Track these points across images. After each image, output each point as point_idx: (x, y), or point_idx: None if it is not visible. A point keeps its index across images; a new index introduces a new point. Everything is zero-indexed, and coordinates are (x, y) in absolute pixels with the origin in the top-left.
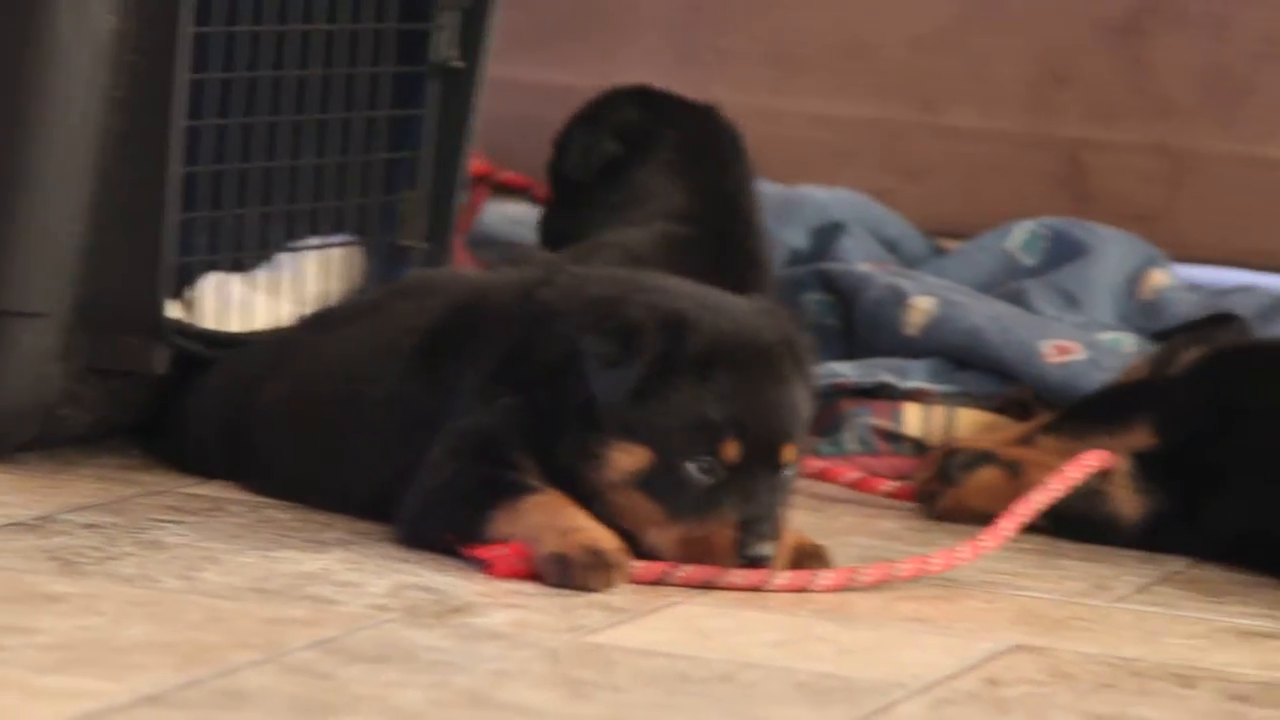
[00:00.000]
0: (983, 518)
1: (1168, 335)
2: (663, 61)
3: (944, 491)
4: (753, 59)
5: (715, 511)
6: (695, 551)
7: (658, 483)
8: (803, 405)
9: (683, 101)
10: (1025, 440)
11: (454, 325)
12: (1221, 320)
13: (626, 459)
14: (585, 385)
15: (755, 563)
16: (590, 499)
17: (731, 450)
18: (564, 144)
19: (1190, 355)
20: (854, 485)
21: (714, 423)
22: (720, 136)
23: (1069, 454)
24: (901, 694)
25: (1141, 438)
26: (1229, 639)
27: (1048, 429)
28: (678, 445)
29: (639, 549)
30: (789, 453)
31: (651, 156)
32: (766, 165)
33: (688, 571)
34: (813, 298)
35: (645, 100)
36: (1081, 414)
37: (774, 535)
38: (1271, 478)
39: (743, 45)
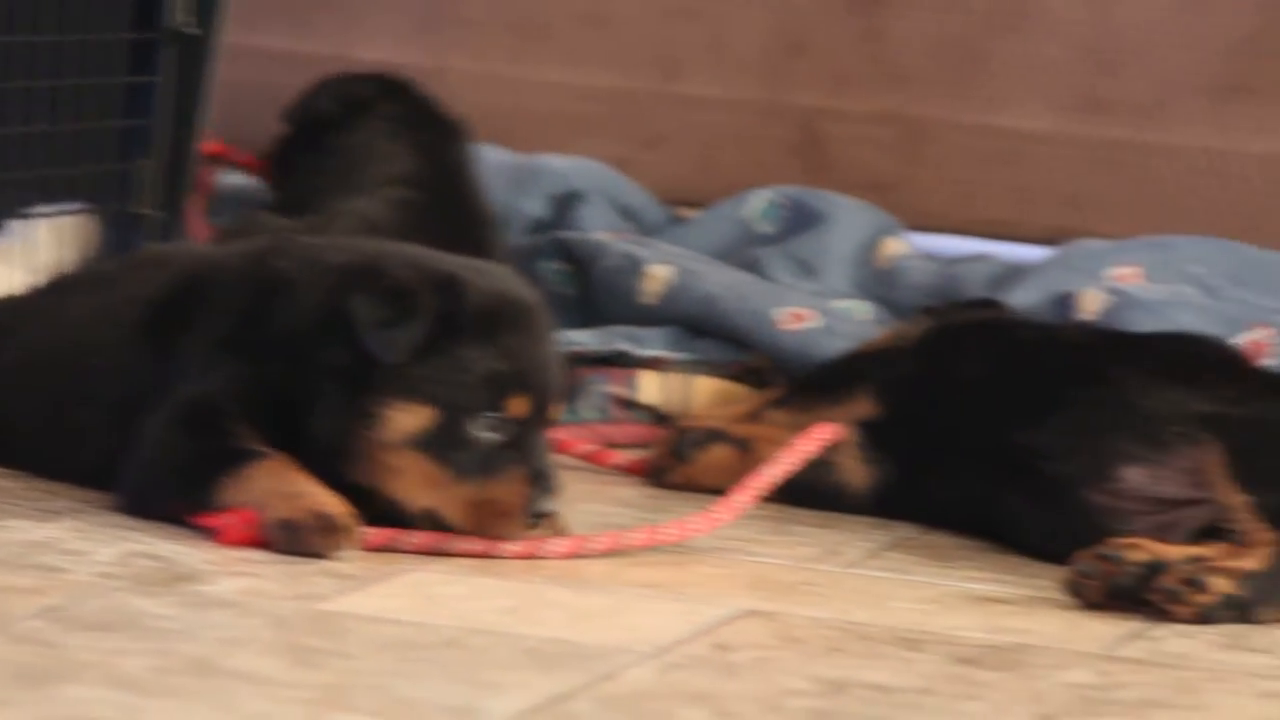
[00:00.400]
0: (715, 491)
1: (930, 311)
2: (402, 29)
3: (675, 468)
4: (492, 27)
5: (504, 470)
6: (485, 513)
7: (441, 442)
8: (562, 363)
9: (389, 74)
10: (755, 416)
11: (180, 296)
12: (986, 304)
13: (407, 419)
14: (345, 348)
15: (539, 518)
16: (360, 464)
17: (520, 406)
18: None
19: (915, 329)
20: (587, 458)
21: (502, 379)
22: (434, 105)
23: (797, 427)
24: (630, 659)
25: (864, 408)
26: (956, 603)
27: (776, 404)
28: (464, 402)
29: (383, 515)
30: (557, 409)
31: (367, 123)
32: (506, 134)
33: (419, 538)
34: (550, 266)
35: (363, 76)
36: (807, 387)
37: (558, 490)
38: (982, 448)
39: (482, 14)
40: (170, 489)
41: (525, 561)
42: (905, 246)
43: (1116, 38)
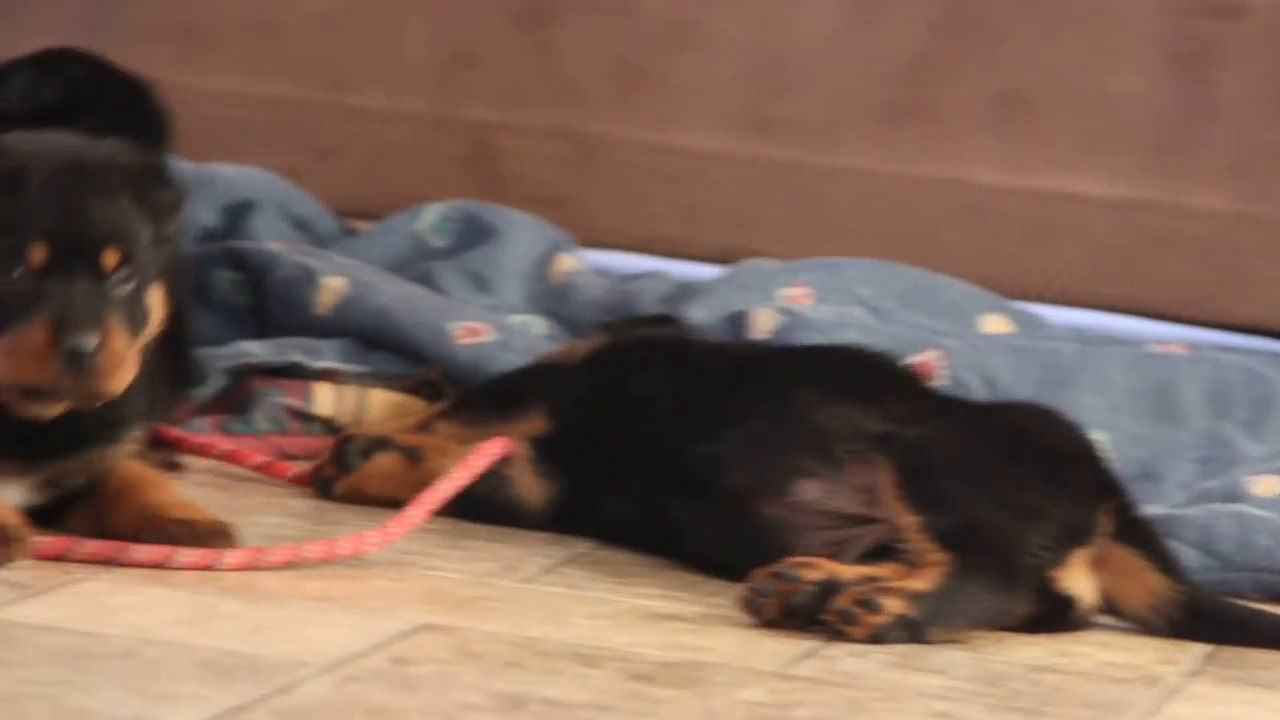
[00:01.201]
0: (383, 502)
1: (607, 326)
2: (69, 31)
3: (340, 478)
4: (161, 33)
5: (28, 316)
6: (22, 362)
7: None
8: (130, 220)
9: (123, 72)
10: (424, 426)
11: None
12: (663, 320)
13: None
14: None
15: (75, 357)
16: None
17: (38, 254)
18: (3, 78)
19: (588, 345)
20: (259, 469)
21: (18, 230)
22: (153, 112)
23: (465, 440)
24: (307, 672)
25: (535, 424)
26: (631, 619)
27: (444, 415)
28: None
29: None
30: (109, 257)
31: (86, 119)
32: (175, 143)
33: (91, 546)
34: (223, 275)
35: (93, 63)
36: (476, 400)
37: (96, 330)
38: (657, 462)
39: (151, 19)
40: None
41: (200, 573)
42: (578, 262)
43: (787, 59)
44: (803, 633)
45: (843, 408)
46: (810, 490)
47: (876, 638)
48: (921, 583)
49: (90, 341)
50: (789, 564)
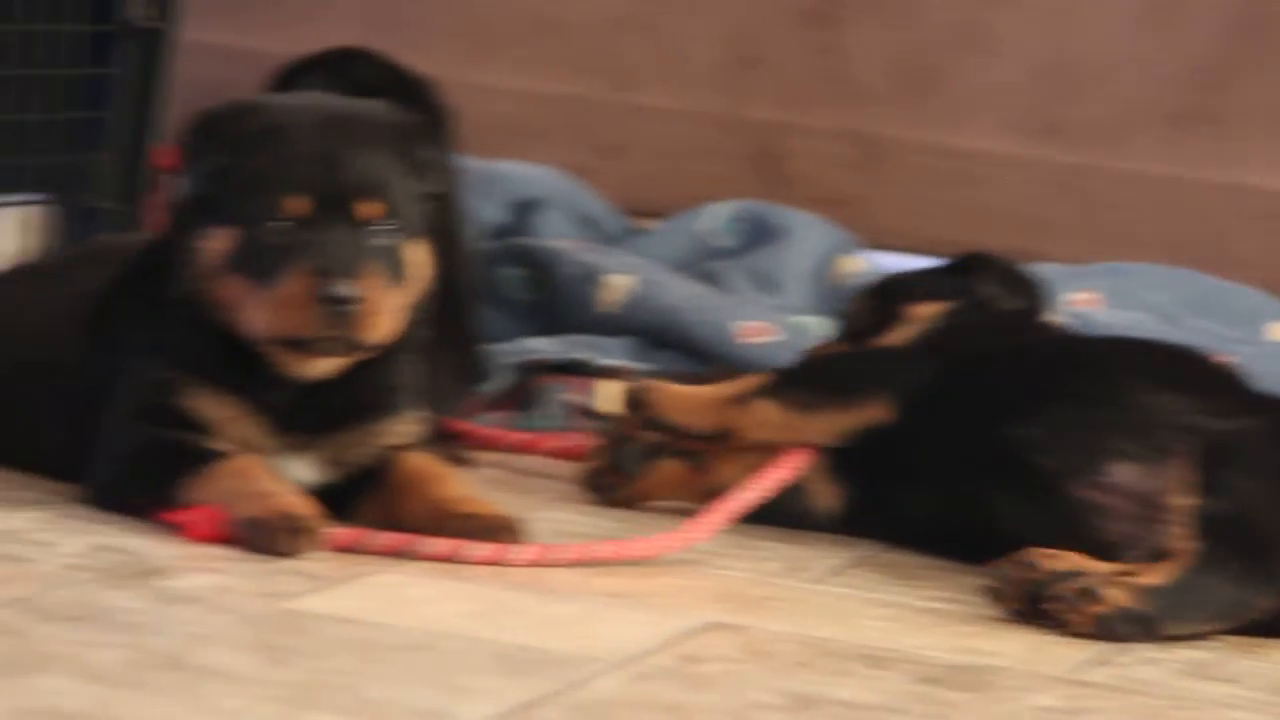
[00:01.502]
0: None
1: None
2: (357, 31)
3: (621, 484)
4: (448, 32)
5: (290, 267)
6: (284, 312)
7: (244, 258)
8: (389, 173)
9: (407, 71)
10: (739, 401)
11: (121, 284)
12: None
13: (216, 243)
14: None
15: (334, 304)
16: (207, 308)
17: (297, 205)
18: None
19: (913, 329)
20: (553, 453)
21: (277, 183)
22: (437, 110)
23: (790, 429)
24: (599, 667)
25: (876, 412)
26: (920, 621)
27: (765, 393)
28: (251, 214)
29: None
30: (366, 208)
31: None
32: (463, 140)
33: (384, 539)
34: (509, 272)
35: (379, 62)
36: (806, 382)
37: (355, 277)
38: (973, 445)
39: (438, 17)
40: (136, 486)
41: (490, 567)
42: (862, 264)
43: (1075, 62)
44: (1090, 639)
45: (1164, 396)
46: (1123, 473)
47: (1104, 631)
48: (1156, 577)
49: (349, 288)
50: (1033, 553)
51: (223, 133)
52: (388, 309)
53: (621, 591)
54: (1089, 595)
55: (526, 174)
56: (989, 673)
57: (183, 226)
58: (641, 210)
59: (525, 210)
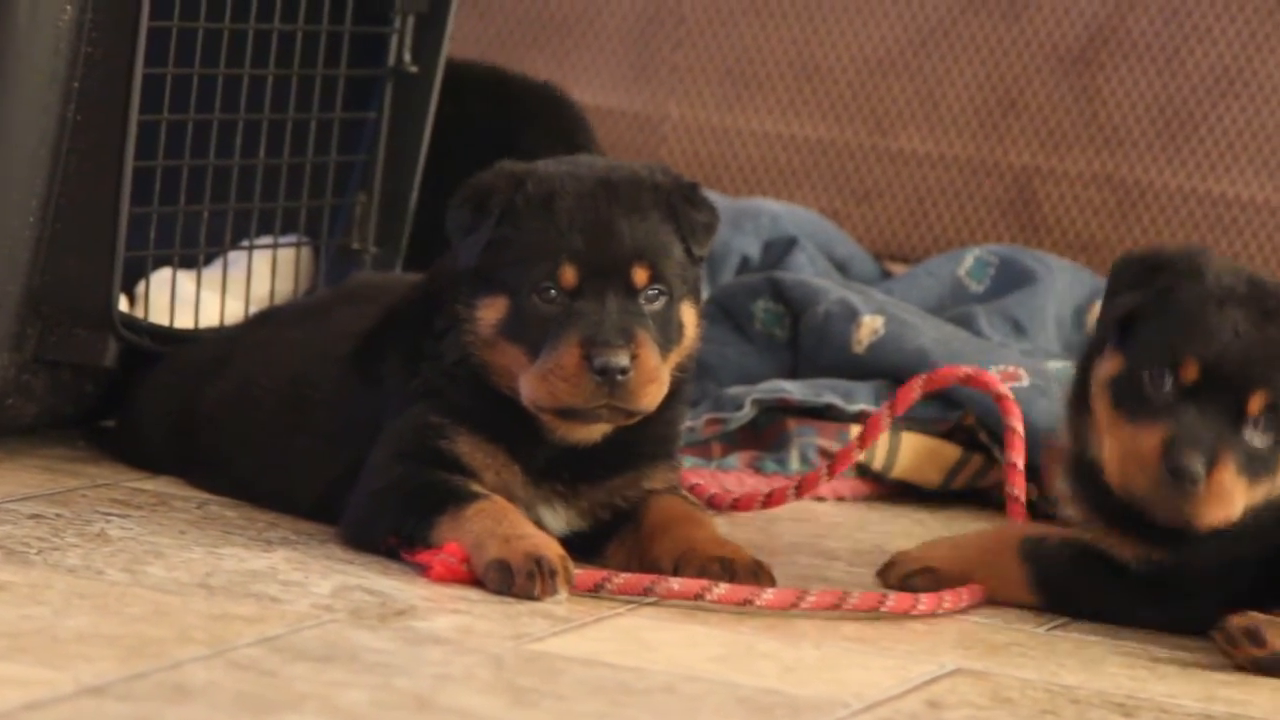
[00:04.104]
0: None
1: None
2: (618, 73)
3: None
4: (708, 75)
5: (561, 337)
6: (554, 382)
7: (517, 327)
8: (660, 237)
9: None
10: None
11: (385, 327)
12: None
13: (489, 312)
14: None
15: (608, 375)
16: (481, 372)
17: (569, 275)
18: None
19: None
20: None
21: (548, 252)
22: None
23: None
24: (845, 713)
25: None
26: (1168, 669)
27: (1099, 526)
28: (523, 283)
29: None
30: (640, 275)
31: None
32: (718, 181)
33: (626, 578)
34: (762, 306)
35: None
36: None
37: (626, 346)
38: None
39: (698, 61)
40: (391, 523)
41: (736, 612)
42: None
43: None
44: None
45: None
46: None
47: (1260, 668)
48: None
49: (622, 359)
50: (1259, 619)
51: (494, 202)
52: (658, 375)
53: (865, 637)
54: (1252, 636)
55: (782, 212)
56: None
57: (456, 292)
58: (894, 255)
59: (780, 248)
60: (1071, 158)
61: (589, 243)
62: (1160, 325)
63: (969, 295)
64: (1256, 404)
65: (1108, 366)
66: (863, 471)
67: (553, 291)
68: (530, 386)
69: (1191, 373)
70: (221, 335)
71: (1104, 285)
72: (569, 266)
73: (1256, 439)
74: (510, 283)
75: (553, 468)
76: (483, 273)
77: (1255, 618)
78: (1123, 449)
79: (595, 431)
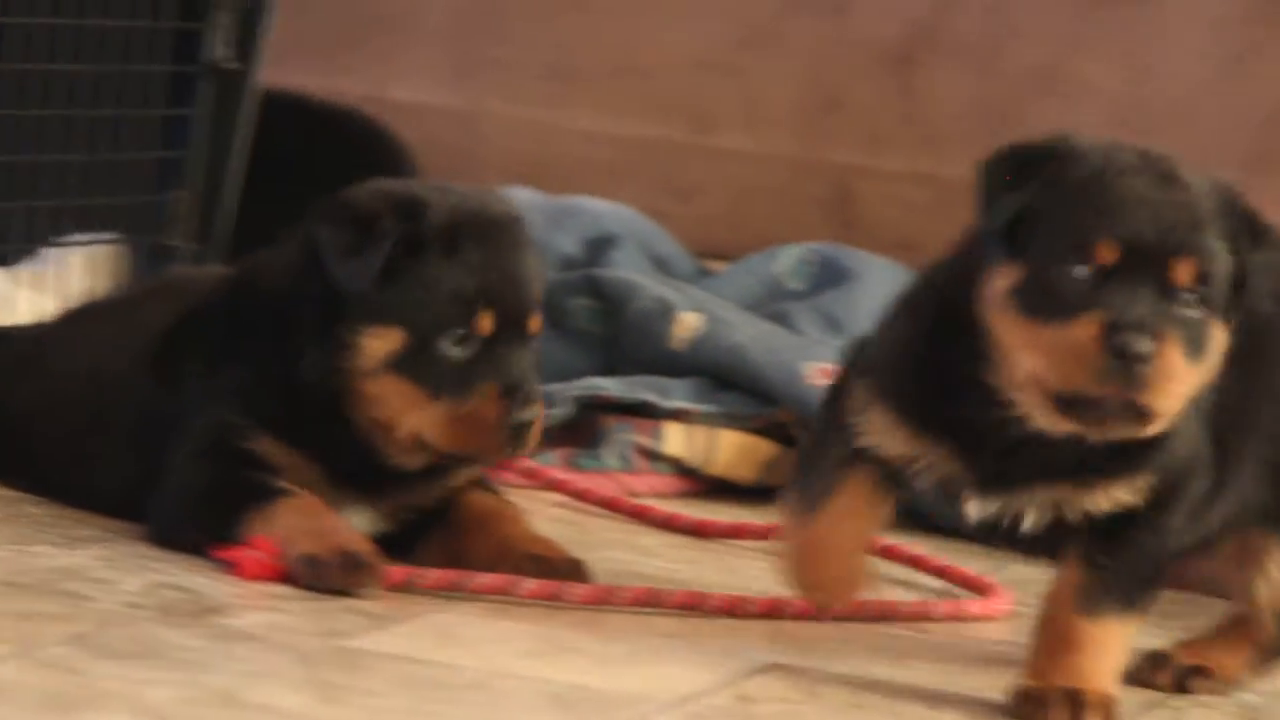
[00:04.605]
0: None
1: None
2: (439, 71)
3: None
4: (530, 72)
5: (476, 385)
6: (464, 429)
7: (413, 364)
8: (540, 276)
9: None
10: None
11: (188, 325)
12: None
13: (379, 343)
14: (321, 286)
15: (522, 429)
16: (347, 398)
17: (486, 322)
18: None
19: None
20: (606, 504)
21: (467, 295)
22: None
23: None
24: (653, 707)
25: None
26: (976, 664)
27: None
28: (431, 322)
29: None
30: (535, 322)
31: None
32: (540, 179)
33: (436, 575)
34: (580, 303)
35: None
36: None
37: (536, 401)
38: None
39: (520, 58)
40: (197, 522)
41: (547, 608)
42: None
43: (1153, 106)
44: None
45: None
46: None
47: None
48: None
49: (534, 413)
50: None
51: (383, 228)
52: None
53: (679, 633)
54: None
55: (602, 210)
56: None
57: (322, 309)
58: (714, 253)
59: (599, 246)
60: (891, 156)
61: (502, 289)
62: (1060, 215)
63: (787, 293)
64: (1185, 273)
65: (1003, 279)
66: (680, 468)
67: (464, 336)
68: (429, 427)
69: (1109, 254)
70: (31, 332)
71: None
72: (485, 313)
73: (1189, 311)
74: (410, 318)
75: (357, 472)
76: (374, 301)
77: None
78: (1052, 352)
79: (419, 460)
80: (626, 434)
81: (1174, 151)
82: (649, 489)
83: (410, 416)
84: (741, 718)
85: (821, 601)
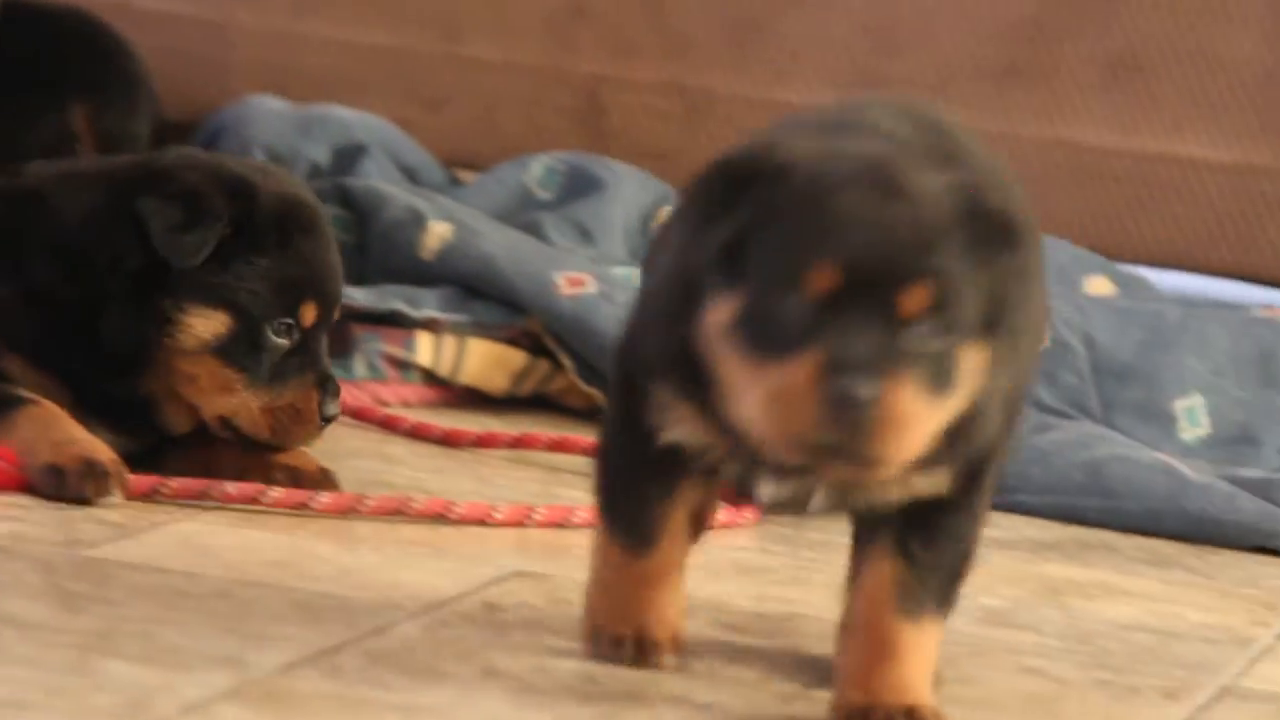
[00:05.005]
0: None
1: None
2: None
3: None
4: None
5: (297, 376)
6: (281, 418)
7: (236, 348)
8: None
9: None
10: None
11: None
12: None
13: (204, 324)
14: (135, 252)
15: (329, 421)
16: (155, 370)
17: (309, 313)
18: None
19: None
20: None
21: (297, 285)
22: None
23: None
24: (399, 615)
25: None
26: (725, 571)
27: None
28: (260, 309)
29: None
30: (339, 313)
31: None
32: (288, 88)
33: (179, 483)
34: (330, 212)
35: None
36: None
37: (339, 392)
38: None
39: None
40: None
41: (294, 518)
42: None
43: (899, 17)
44: None
45: None
46: None
47: None
48: None
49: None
50: None
51: (215, 207)
52: None
53: (426, 541)
54: None
55: (351, 119)
56: (788, 619)
57: (139, 283)
58: (465, 163)
59: (348, 155)
60: (640, 66)
61: (323, 283)
62: (775, 240)
63: (537, 202)
64: (915, 302)
65: (723, 311)
66: (430, 377)
67: (289, 326)
68: (244, 415)
69: (827, 281)
70: None
71: (670, 192)
72: (310, 304)
73: (927, 343)
74: (239, 304)
75: (111, 404)
76: (202, 281)
77: None
78: (767, 395)
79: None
80: (376, 343)
81: (898, 153)
82: (398, 398)
83: (222, 400)
84: (488, 625)
85: (649, 641)
